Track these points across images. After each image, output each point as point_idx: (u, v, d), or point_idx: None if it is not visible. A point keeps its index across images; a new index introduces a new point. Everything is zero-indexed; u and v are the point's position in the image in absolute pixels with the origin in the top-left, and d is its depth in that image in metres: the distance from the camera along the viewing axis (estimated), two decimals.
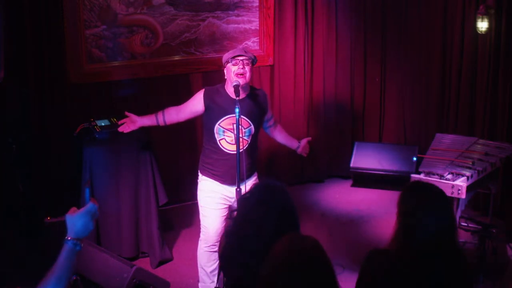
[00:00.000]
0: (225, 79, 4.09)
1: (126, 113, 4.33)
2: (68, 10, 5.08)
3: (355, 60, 6.36)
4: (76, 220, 2.09)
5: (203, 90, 4.15)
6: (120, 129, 4.33)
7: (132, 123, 4.29)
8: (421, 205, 2.52)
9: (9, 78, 4.57)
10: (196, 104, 4.13)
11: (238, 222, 2.32)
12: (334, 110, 6.40)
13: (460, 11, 5.57)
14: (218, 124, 4.03)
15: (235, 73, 3.97)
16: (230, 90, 4.05)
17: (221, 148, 4.07)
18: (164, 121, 4.25)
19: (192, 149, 5.67)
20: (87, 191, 2.28)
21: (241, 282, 2.25)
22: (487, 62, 5.37)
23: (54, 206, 4.96)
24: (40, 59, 5.04)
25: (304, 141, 4.50)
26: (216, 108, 4.05)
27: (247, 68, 3.99)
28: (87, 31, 5.23)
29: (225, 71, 4.08)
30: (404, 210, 2.55)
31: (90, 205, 2.13)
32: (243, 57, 4.00)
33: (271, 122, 4.35)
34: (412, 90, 6.28)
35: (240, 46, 4.20)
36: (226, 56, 4.07)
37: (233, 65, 3.99)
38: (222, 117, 4.03)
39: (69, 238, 2.07)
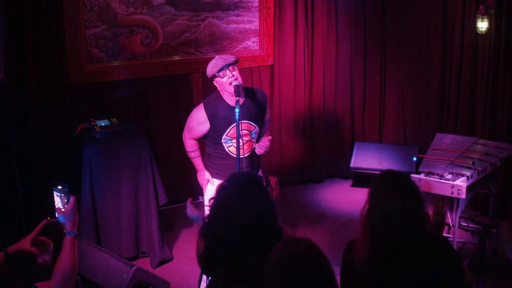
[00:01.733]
0: (219, 90, 4.08)
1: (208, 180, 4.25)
2: (68, 10, 5.08)
3: (355, 60, 6.36)
4: (69, 215, 2.47)
5: (202, 106, 4.11)
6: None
7: (206, 178, 4.24)
8: (387, 192, 2.56)
9: (9, 78, 4.58)
10: (203, 128, 4.11)
11: (214, 209, 2.33)
12: (334, 110, 6.40)
13: (460, 11, 5.57)
14: (226, 135, 4.05)
15: (228, 83, 3.96)
16: (228, 99, 4.05)
17: (230, 155, 4.10)
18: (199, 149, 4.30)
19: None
20: (66, 188, 2.51)
21: (220, 276, 2.26)
22: (487, 62, 5.37)
23: (54, 206, 4.95)
24: (40, 59, 5.04)
25: (262, 139, 4.23)
26: (220, 121, 4.05)
27: (235, 73, 3.98)
28: (87, 31, 5.23)
29: (215, 84, 4.07)
30: (372, 198, 2.59)
31: (73, 199, 2.50)
32: (227, 66, 3.96)
33: (265, 128, 4.29)
34: (412, 90, 6.27)
35: (217, 56, 4.11)
36: (210, 71, 4.03)
37: (222, 77, 3.98)
38: (228, 127, 4.04)
39: (69, 231, 2.44)
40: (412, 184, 2.64)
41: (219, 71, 3.97)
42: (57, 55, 5.11)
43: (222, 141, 4.07)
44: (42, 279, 2.43)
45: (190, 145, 4.25)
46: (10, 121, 4.80)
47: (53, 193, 2.51)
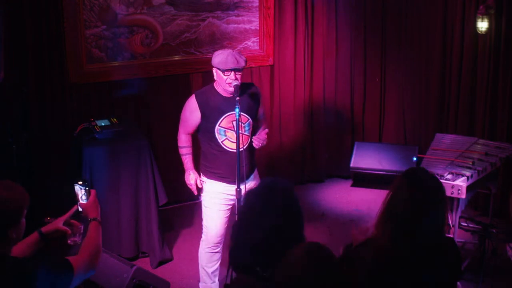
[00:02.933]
0: (215, 80, 4.07)
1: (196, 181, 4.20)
2: (68, 10, 5.08)
3: (355, 60, 6.36)
4: (93, 205, 2.81)
5: (193, 96, 4.09)
6: (196, 193, 4.25)
7: (195, 177, 4.20)
8: (416, 199, 2.45)
9: (9, 78, 4.58)
10: (194, 118, 4.08)
11: (242, 214, 2.34)
12: (334, 110, 6.40)
13: (460, 11, 5.57)
14: (218, 125, 4.02)
15: (227, 82, 3.94)
16: (221, 91, 4.04)
17: (225, 149, 4.06)
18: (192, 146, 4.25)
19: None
20: (87, 183, 2.86)
21: (246, 279, 2.26)
22: (487, 62, 5.37)
23: (54, 206, 4.96)
24: (40, 59, 5.04)
25: (259, 132, 4.20)
26: (212, 110, 4.02)
27: (239, 77, 3.95)
28: (87, 31, 5.23)
29: (214, 72, 4.03)
30: (397, 200, 2.50)
31: (94, 191, 2.85)
32: (235, 70, 3.92)
33: (260, 124, 4.26)
34: (412, 90, 6.27)
35: (230, 51, 4.02)
36: (216, 62, 3.96)
37: (224, 75, 3.94)
38: (220, 117, 4.02)
39: (94, 217, 2.76)
40: (437, 182, 2.57)
41: (225, 70, 3.94)
42: (57, 55, 5.11)
43: (215, 132, 4.03)
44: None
45: (183, 140, 4.20)
46: (10, 121, 4.81)
47: (74, 188, 2.85)
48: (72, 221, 2.80)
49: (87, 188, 2.86)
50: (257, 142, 4.07)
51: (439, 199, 2.50)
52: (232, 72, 3.93)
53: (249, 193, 2.41)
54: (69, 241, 2.80)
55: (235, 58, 3.93)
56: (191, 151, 4.24)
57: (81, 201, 2.85)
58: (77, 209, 2.84)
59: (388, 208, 2.50)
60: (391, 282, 2.47)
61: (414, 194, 2.46)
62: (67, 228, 2.76)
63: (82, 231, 2.80)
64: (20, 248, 2.58)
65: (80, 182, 2.86)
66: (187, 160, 4.23)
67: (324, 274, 1.99)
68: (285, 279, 2.01)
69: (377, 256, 2.48)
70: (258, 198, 2.32)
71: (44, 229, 2.73)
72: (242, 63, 3.95)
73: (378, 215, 2.55)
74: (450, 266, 2.54)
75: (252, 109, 4.12)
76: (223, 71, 3.94)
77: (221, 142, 4.05)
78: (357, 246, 2.63)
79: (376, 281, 2.48)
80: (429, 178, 2.55)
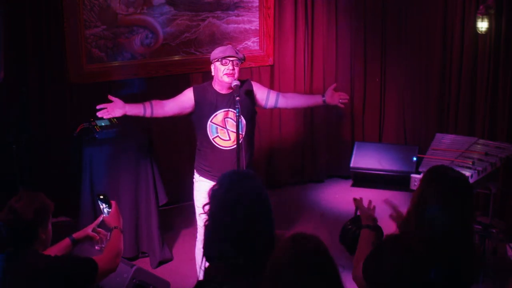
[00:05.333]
0: (212, 77, 4.10)
1: (110, 97, 4.01)
2: (68, 10, 5.09)
3: (355, 60, 6.36)
4: (115, 215, 3.13)
5: (192, 87, 4.14)
6: (100, 114, 3.97)
7: (116, 108, 4.00)
8: (441, 194, 2.44)
9: (9, 78, 4.58)
10: (185, 101, 4.09)
11: (212, 213, 2.33)
12: (334, 110, 6.39)
13: (460, 11, 5.57)
14: (210, 121, 4.04)
15: (224, 73, 3.97)
16: (217, 87, 4.07)
17: (216, 146, 4.07)
18: (152, 113, 4.08)
19: (192, 149, 5.62)
20: (107, 197, 3.17)
21: (223, 273, 2.26)
22: (487, 62, 5.36)
23: (54, 206, 4.95)
24: (40, 59, 5.05)
25: (329, 90, 4.33)
26: (206, 104, 4.05)
27: (236, 69, 3.99)
28: (87, 31, 5.23)
29: (212, 68, 4.07)
30: (422, 195, 2.47)
31: (115, 203, 3.18)
32: (233, 58, 3.98)
33: (273, 95, 4.26)
34: (412, 90, 6.28)
35: (230, 45, 4.20)
36: (215, 54, 4.04)
37: (223, 64, 3.98)
38: (213, 113, 4.04)
39: (116, 225, 3.09)
40: (461, 174, 2.58)
41: (224, 57, 3.96)
42: (57, 55, 5.11)
43: (207, 128, 4.05)
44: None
45: (156, 100, 4.10)
46: (10, 121, 4.81)
47: (98, 202, 3.20)
48: (99, 229, 3.16)
49: (106, 205, 3.17)
50: (342, 101, 4.38)
51: (468, 190, 2.55)
52: (230, 63, 3.96)
53: (213, 192, 2.39)
54: (96, 247, 3.14)
55: (234, 50, 4.04)
56: (146, 105, 4.04)
57: (103, 213, 3.17)
58: (102, 219, 3.16)
59: (417, 206, 2.47)
60: (417, 283, 2.44)
61: (442, 186, 2.46)
62: (96, 234, 3.13)
63: (108, 238, 3.09)
64: (53, 252, 2.91)
65: (101, 197, 3.17)
66: (134, 105, 4.03)
67: (311, 264, 1.97)
68: (271, 270, 2.00)
69: (406, 257, 2.43)
70: (230, 190, 2.30)
71: (75, 235, 3.11)
72: (241, 55, 4.03)
73: (407, 213, 2.52)
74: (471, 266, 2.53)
75: (244, 106, 4.10)
76: (221, 59, 3.97)
77: (212, 139, 4.07)
78: (385, 242, 2.58)
79: (402, 282, 2.45)
80: (454, 171, 2.56)
